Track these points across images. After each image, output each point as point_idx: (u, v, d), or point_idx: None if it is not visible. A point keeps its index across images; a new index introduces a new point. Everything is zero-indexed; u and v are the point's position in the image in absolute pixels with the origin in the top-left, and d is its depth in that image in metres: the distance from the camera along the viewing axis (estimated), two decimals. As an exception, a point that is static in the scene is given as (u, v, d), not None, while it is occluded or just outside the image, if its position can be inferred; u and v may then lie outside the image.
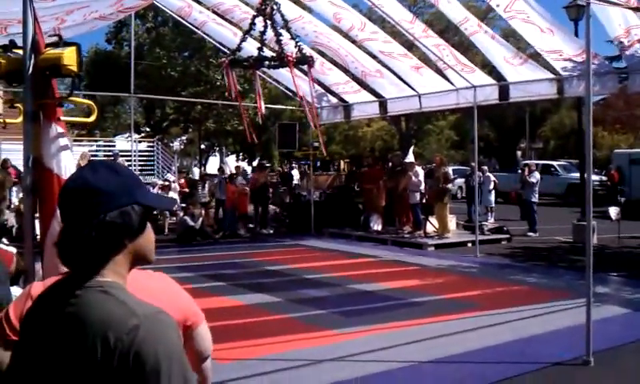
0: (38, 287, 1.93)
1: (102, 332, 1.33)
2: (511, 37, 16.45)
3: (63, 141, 3.36)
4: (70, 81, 3.51)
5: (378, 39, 12.79)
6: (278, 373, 5.47)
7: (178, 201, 18.32)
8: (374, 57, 13.77)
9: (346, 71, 15.02)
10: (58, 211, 3.17)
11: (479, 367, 5.64)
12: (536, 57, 12.31)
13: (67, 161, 3.34)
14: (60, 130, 3.35)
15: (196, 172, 21.59)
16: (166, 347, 1.33)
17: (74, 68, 3.24)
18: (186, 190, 19.13)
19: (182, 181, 20.19)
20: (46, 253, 3.23)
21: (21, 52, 3.34)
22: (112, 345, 1.31)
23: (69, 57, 3.23)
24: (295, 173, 24.44)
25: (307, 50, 11.91)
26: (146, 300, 1.95)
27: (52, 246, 3.09)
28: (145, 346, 1.31)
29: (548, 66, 11.43)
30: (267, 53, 10.98)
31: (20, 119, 3.49)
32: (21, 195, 12.57)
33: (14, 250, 6.62)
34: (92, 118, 4.08)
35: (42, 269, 3.34)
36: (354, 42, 13.53)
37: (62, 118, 3.40)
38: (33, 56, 3.27)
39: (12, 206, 15.30)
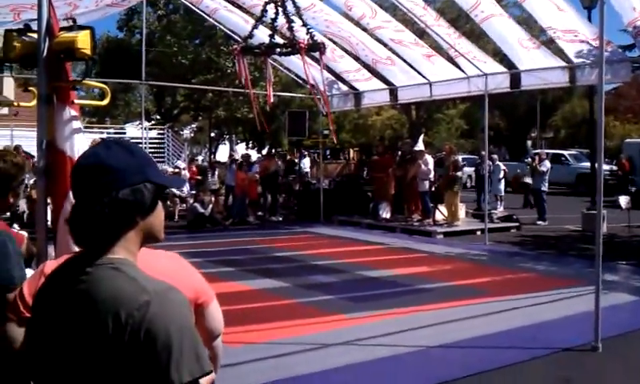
0: (51, 265, 1.97)
1: (113, 308, 1.35)
2: (524, 24, 16.33)
3: (76, 124, 3.39)
4: (80, 69, 3.53)
5: (389, 27, 12.75)
6: (286, 357, 5.52)
7: (188, 187, 18.43)
8: (384, 45, 13.74)
9: (356, 59, 15.00)
10: (71, 192, 3.21)
11: (488, 352, 5.67)
12: (549, 44, 12.23)
13: (80, 144, 3.38)
14: (73, 113, 3.38)
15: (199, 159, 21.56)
16: (177, 323, 1.35)
17: (88, 51, 3.26)
18: (198, 177, 19.19)
19: (194, 168, 20.23)
20: (58, 234, 3.27)
21: (35, 36, 3.37)
22: (123, 321, 1.33)
23: (83, 40, 3.25)
24: (306, 161, 24.32)
25: (319, 37, 11.91)
26: (158, 278, 1.99)
27: (64, 226, 3.14)
28: (156, 322, 1.33)
29: (560, 55, 11.37)
30: (279, 40, 10.99)
31: (34, 103, 3.53)
32: (32, 182, 12.66)
33: (25, 234, 6.69)
34: (105, 101, 4.12)
35: (54, 251, 3.38)
36: (364, 29, 13.51)
37: (76, 101, 3.44)
38: (47, 39, 3.30)
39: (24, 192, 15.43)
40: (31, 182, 13.32)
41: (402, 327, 6.41)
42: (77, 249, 2.29)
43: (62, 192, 3.24)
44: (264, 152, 34.90)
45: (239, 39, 12.31)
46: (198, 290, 2.10)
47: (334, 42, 14.17)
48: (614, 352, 5.69)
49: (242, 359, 5.34)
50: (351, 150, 38.59)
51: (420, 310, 7.15)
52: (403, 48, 13.28)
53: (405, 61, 13.79)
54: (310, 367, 5.22)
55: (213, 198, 16.60)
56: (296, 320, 6.79)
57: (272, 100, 13.17)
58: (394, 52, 13.74)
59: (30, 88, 3.69)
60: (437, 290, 8.28)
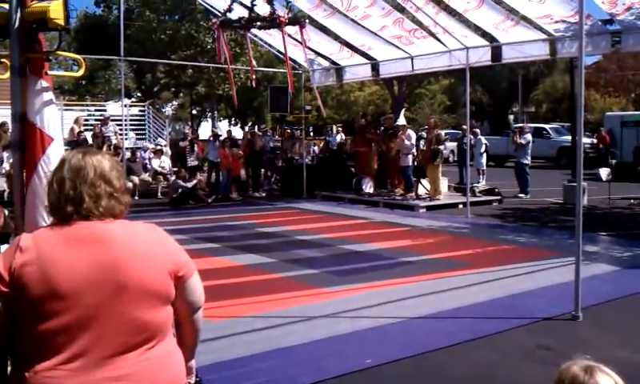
0: (26, 239, 1.93)
1: None
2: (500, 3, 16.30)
3: (48, 95, 3.31)
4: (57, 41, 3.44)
5: (373, 14, 12.66)
6: (272, 329, 5.53)
7: (170, 165, 18.30)
8: (364, 27, 13.64)
9: (336, 37, 14.94)
10: (39, 166, 3.16)
11: (470, 322, 5.72)
12: (528, 19, 12.26)
13: (51, 116, 3.31)
14: (45, 84, 3.31)
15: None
16: None
17: (61, 21, 3.18)
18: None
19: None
20: (27, 206, 3.22)
21: (6, 6, 3.28)
22: None
23: (55, 10, 3.16)
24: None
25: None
26: (138, 250, 1.95)
27: (32, 199, 3.10)
28: None
29: (540, 28, 11.38)
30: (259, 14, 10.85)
31: (7, 75, 3.45)
32: (12, 160, 12.49)
33: (5, 211, 6.59)
34: (80, 73, 4.04)
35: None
36: (345, 15, 13.36)
37: (50, 72, 3.36)
38: (19, 9, 3.21)
39: (3, 171, 15.22)
40: (12, 160, 13.14)
41: (386, 299, 6.44)
42: (43, 222, 2.26)
43: (31, 165, 3.19)
44: (246, 128, 34.72)
45: (219, 14, 12.16)
46: (177, 262, 2.07)
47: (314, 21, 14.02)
48: (594, 321, 5.77)
49: (227, 332, 5.36)
50: (334, 127, 38.45)
51: (403, 283, 7.18)
52: (384, 30, 13.20)
53: (387, 40, 13.71)
54: (295, 339, 5.22)
55: (199, 176, 16.55)
56: (280, 294, 6.79)
57: (255, 76, 13.02)
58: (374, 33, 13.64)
59: (2, 60, 3.60)
60: (419, 263, 8.32)
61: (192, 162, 17.81)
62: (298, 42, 11.95)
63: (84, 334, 1.84)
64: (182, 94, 37.39)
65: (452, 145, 25.22)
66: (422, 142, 15.05)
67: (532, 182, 16.56)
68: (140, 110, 25.77)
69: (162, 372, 1.96)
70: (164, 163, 18.20)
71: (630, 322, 5.88)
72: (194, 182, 15.87)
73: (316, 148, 20.65)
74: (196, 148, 18.47)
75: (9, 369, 1.95)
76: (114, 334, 1.88)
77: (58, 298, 1.83)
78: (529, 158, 16.68)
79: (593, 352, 1.79)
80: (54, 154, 3.22)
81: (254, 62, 11.18)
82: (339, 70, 16.00)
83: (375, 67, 15.14)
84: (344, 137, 23.86)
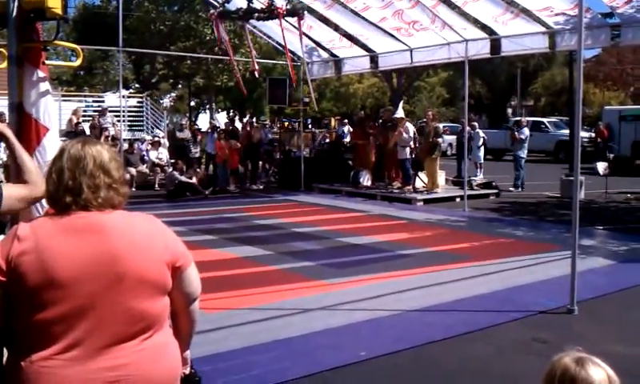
0: (24, 228, 1.93)
1: None
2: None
3: (44, 85, 3.31)
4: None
5: (372, 6, 12.64)
6: (269, 320, 5.54)
7: (168, 156, 18.27)
8: (363, 18, 13.61)
9: (336, 28, 14.90)
10: (34, 157, 3.15)
11: (467, 314, 5.73)
12: (528, 11, 12.25)
13: (47, 106, 3.30)
14: (42, 74, 3.30)
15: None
16: None
17: (59, 11, 3.17)
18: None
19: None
20: None
21: (4, -5, 3.26)
22: None
23: (53, -1, 3.16)
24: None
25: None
26: (136, 240, 1.95)
27: None
28: None
29: (540, 21, 11.37)
30: (257, 5, 10.82)
31: (4, 65, 3.44)
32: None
33: None
34: (78, 63, 4.03)
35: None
36: (345, 6, 13.32)
37: (47, 62, 3.36)
38: (16, -2, 3.20)
39: (0, 162, 15.18)
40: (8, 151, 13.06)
41: (382, 292, 6.45)
42: (36, 213, 2.26)
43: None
44: (245, 120, 34.62)
45: (217, 4, 12.11)
46: (175, 252, 2.07)
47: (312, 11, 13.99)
48: (589, 314, 5.79)
49: (225, 324, 5.37)
50: (332, 119, 38.35)
51: (400, 276, 7.20)
52: (383, 22, 13.17)
53: (385, 31, 13.68)
54: (291, 331, 5.23)
55: (198, 170, 16.53)
56: (277, 286, 6.79)
57: (256, 67, 12.99)
58: (373, 24, 13.60)
59: (0, 49, 3.60)
60: (417, 256, 8.33)
61: (195, 153, 17.79)
62: (296, 28, 11.94)
63: (81, 324, 1.84)
64: (180, 86, 37.36)
65: (451, 138, 25.18)
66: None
67: (525, 176, 16.48)
68: (138, 102, 25.69)
69: (158, 362, 1.97)
70: (161, 155, 18.17)
71: (626, 315, 5.91)
72: (193, 180, 15.83)
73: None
74: (198, 139, 18.46)
75: (4, 358, 1.95)
76: (111, 323, 1.88)
77: (55, 287, 1.84)
78: (525, 152, 16.66)
79: (588, 345, 1.79)
80: (49, 145, 3.23)
81: (254, 57, 11.12)
82: (338, 62, 15.96)
83: (374, 59, 15.12)
84: (350, 129, 23.79)
